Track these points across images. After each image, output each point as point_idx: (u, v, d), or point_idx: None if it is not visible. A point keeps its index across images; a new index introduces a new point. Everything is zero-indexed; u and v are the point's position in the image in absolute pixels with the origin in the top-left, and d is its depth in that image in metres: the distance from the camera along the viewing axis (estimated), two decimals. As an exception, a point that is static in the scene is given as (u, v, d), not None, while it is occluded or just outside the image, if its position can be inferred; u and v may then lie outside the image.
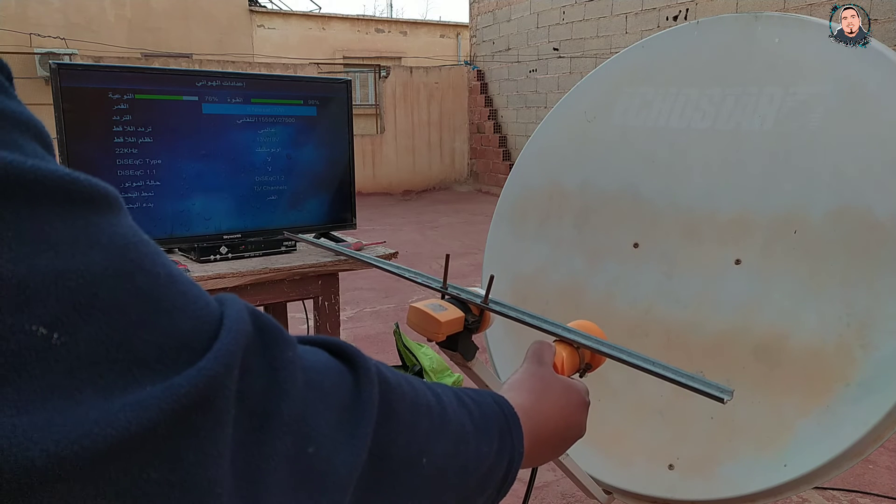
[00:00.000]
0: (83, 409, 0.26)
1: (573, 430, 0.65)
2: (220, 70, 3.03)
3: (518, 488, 0.83)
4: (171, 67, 8.43)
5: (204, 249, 1.78)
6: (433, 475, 0.46)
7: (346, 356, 0.43)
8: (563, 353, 0.75)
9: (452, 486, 0.48)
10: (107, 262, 0.29)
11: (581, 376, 0.79)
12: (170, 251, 1.87)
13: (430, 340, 0.83)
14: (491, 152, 11.12)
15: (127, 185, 1.63)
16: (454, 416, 0.49)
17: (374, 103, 11.57)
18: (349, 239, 2.03)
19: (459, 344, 0.85)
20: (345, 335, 3.61)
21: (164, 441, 0.28)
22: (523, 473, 0.74)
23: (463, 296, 0.86)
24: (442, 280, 0.88)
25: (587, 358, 0.78)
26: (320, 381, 0.39)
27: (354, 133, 2.02)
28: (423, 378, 2.77)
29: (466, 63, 12.10)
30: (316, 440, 0.36)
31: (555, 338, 0.78)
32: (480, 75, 11.44)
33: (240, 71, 3.46)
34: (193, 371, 0.30)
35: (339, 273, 1.91)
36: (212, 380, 0.30)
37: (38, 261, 0.26)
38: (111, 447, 0.26)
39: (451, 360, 0.88)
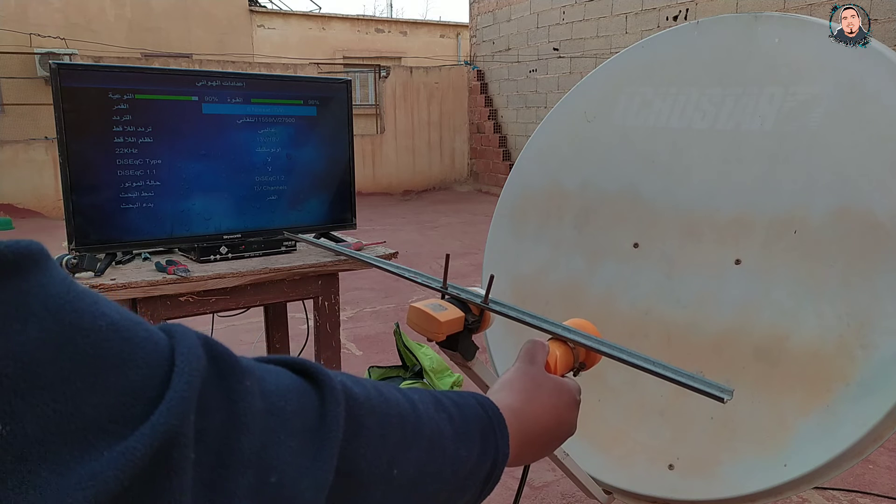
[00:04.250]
0: (37, 496, 0.25)
1: (564, 428, 0.65)
2: (220, 70, 3.03)
3: (514, 486, 0.84)
4: (171, 67, 8.43)
5: (204, 249, 1.78)
6: (405, 485, 0.46)
7: (310, 374, 0.42)
8: (556, 351, 0.75)
9: (427, 492, 0.48)
10: (43, 333, 0.27)
11: (575, 375, 0.79)
12: (170, 251, 1.87)
13: (430, 340, 0.83)
14: (491, 152, 11.12)
15: (127, 185, 1.63)
16: (429, 422, 0.49)
17: (374, 103, 11.57)
18: (349, 239, 2.03)
19: (459, 344, 0.85)
20: (345, 335, 3.61)
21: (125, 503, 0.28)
22: (518, 471, 0.74)
23: (463, 296, 0.86)
24: (442, 280, 0.88)
25: (581, 357, 0.78)
26: (282, 406, 0.38)
27: (354, 133, 2.02)
28: (422, 378, 2.77)
29: (466, 63, 12.10)
30: (278, 469, 0.36)
31: (550, 336, 0.78)
32: (480, 75, 11.44)
33: (240, 71, 3.46)
34: (147, 428, 0.29)
35: (339, 273, 1.91)
36: (167, 433, 0.29)
37: None
38: None
39: (451, 360, 0.88)
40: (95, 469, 0.27)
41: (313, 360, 1.91)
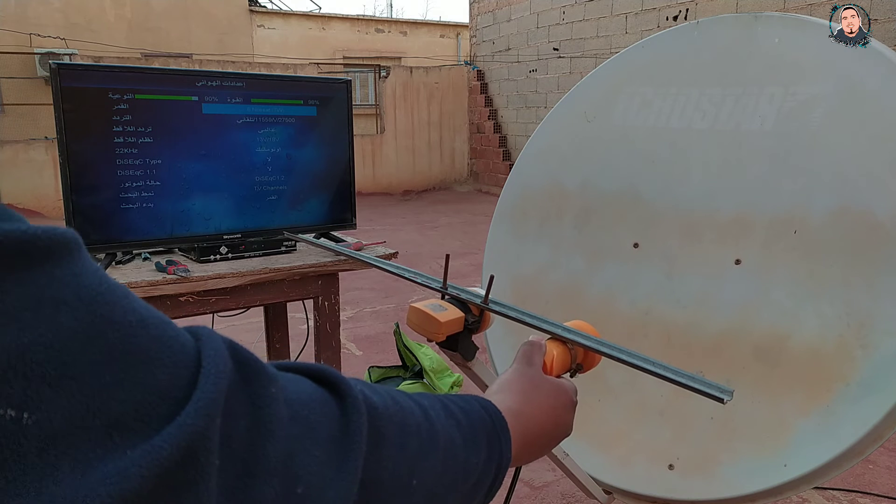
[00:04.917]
0: (60, 490, 0.25)
1: (561, 429, 0.65)
2: (220, 70, 3.03)
3: (509, 483, 0.83)
4: (171, 67, 8.43)
5: (204, 249, 1.78)
6: (424, 495, 0.46)
7: (331, 383, 0.41)
8: (553, 351, 0.74)
9: (441, 502, 0.48)
10: (75, 323, 0.27)
11: (572, 376, 0.78)
12: (170, 251, 1.87)
13: (430, 340, 0.83)
14: (491, 152, 11.12)
15: (127, 185, 1.63)
16: (442, 430, 0.49)
17: (374, 103, 11.57)
18: (349, 239, 2.03)
19: (459, 344, 0.85)
20: (345, 335, 3.61)
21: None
22: (513, 470, 0.74)
23: (463, 296, 0.86)
24: (442, 280, 0.88)
25: (579, 357, 0.78)
26: (306, 414, 0.37)
27: (354, 133, 2.02)
28: (422, 378, 2.77)
29: (466, 63, 12.10)
30: (304, 479, 0.35)
31: (548, 336, 0.78)
32: (480, 75, 11.44)
33: (240, 71, 3.46)
34: (174, 428, 0.28)
35: (339, 273, 1.91)
36: (193, 434, 0.29)
37: (1, 338, 0.24)
38: None
39: (451, 360, 0.88)
40: (119, 467, 0.26)
41: (313, 360, 1.92)
